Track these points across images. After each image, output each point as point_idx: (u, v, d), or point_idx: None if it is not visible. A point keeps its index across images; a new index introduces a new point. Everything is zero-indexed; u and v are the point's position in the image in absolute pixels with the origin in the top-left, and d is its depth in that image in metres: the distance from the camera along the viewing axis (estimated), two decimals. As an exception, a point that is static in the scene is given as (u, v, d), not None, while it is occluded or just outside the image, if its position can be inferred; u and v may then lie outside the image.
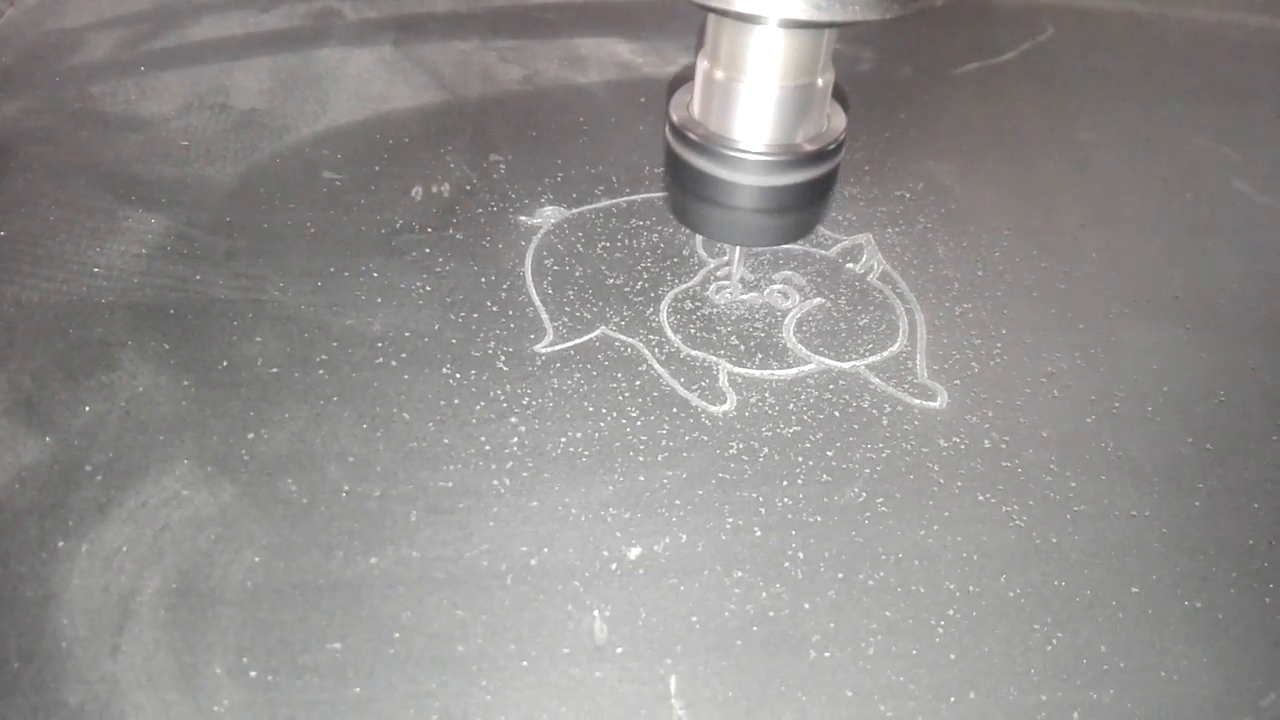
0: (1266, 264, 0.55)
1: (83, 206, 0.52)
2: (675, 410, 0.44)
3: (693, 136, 0.44)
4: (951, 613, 0.37)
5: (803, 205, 0.45)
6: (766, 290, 0.50)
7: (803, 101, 0.43)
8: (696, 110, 0.45)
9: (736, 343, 0.47)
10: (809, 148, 0.44)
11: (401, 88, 0.63)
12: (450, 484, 0.40)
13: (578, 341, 0.47)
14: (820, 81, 0.43)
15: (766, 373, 0.46)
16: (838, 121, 0.46)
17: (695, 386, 0.45)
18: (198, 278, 0.48)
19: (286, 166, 0.56)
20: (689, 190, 0.45)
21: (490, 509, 0.40)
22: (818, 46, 0.42)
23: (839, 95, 0.46)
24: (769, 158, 0.43)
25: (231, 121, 0.59)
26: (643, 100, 0.64)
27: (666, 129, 0.46)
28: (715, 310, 0.49)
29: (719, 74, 0.43)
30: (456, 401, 0.43)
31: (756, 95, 0.42)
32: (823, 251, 0.52)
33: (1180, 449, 0.44)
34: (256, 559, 0.37)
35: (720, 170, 0.44)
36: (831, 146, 0.44)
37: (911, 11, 0.37)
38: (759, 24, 0.40)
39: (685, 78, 0.48)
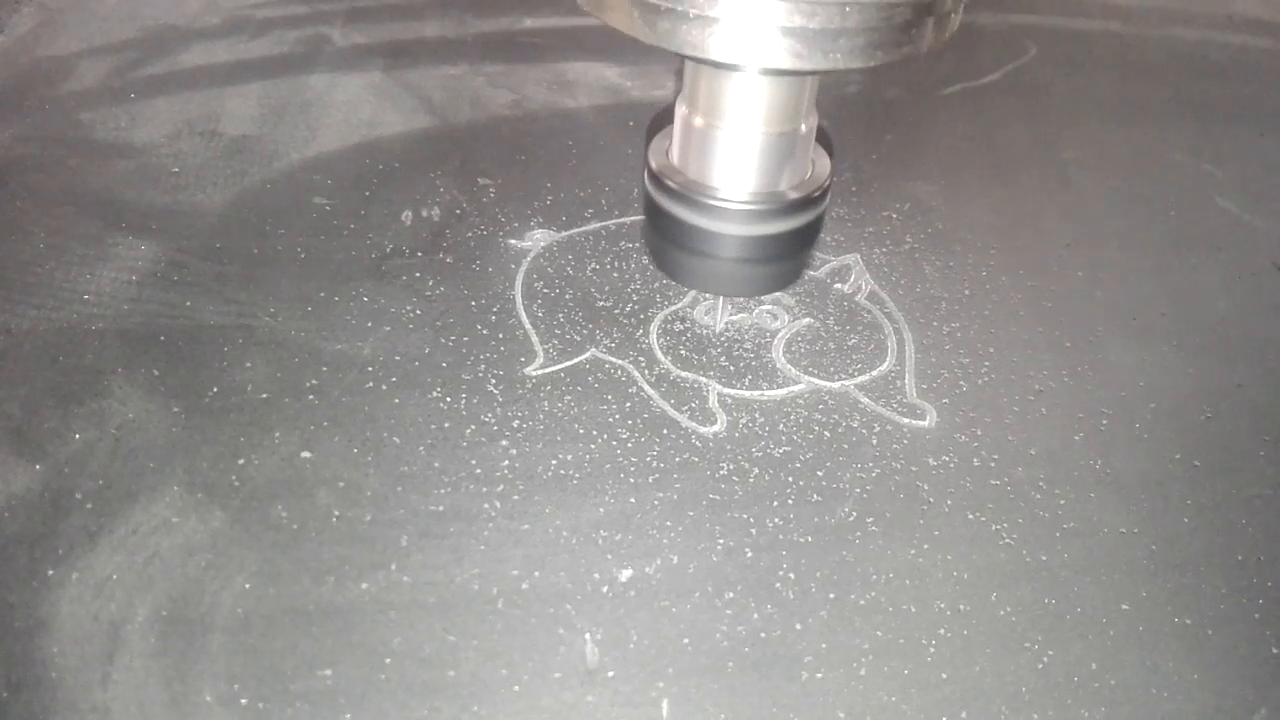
0: (1251, 281, 0.56)
1: (73, 233, 0.52)
2: (665, 432, 0.44)
3: (672, 184, 0.43)
4: (942, 632, 0.37)
5: (788, 254, 0.44)
6: (755, 311, 0.50)
7: (786, 148, 0.42)
8: (675, 157, 0.44)
9: (726, 364, 0.47)
10: (793, 195, 0.43)
11: (391, 113, 0.64)
12: (441, 508, 0.40)
13: (568, 364, 0.47)
14: (804, 128, 0.42)
15: (756, 393, 0.46)
16: (822, 167, 0.45)
17: (685, 408, 0.45)
18: (188, 304, 0.48)
19: (276, 192, 0.56)
20: (669, 239, 0.44)
21: (481, 532, 0.40)
22: (800, 93, 0.41)
23: (823, 139, 0.46)
24: (752, 206, 0.42)
25: (221, 148, 0.59)
26: (631, 124, 0.65)
27: (645, 176, 0.45)
28: (705, 331, 0.49)
29: (698, 120, 0.42)
30: (447, 425, 0.44)
31: (738, 143, 0.41)
32: (811, 272, 0.53)
33: (1168, 465, 0.45)
34: (247, 585, 0.37)
35: (702, 219, 0.43)
36: (816, 193, 0.43)
37: (896, 59, 0.37)
38: (738, 71, 0.40)
39: (663, 122, 0.48)
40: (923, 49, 0.38)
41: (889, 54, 0.36)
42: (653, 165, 0.44)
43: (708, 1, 0.34)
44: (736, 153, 0.42)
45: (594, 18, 0.38)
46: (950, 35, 0.39)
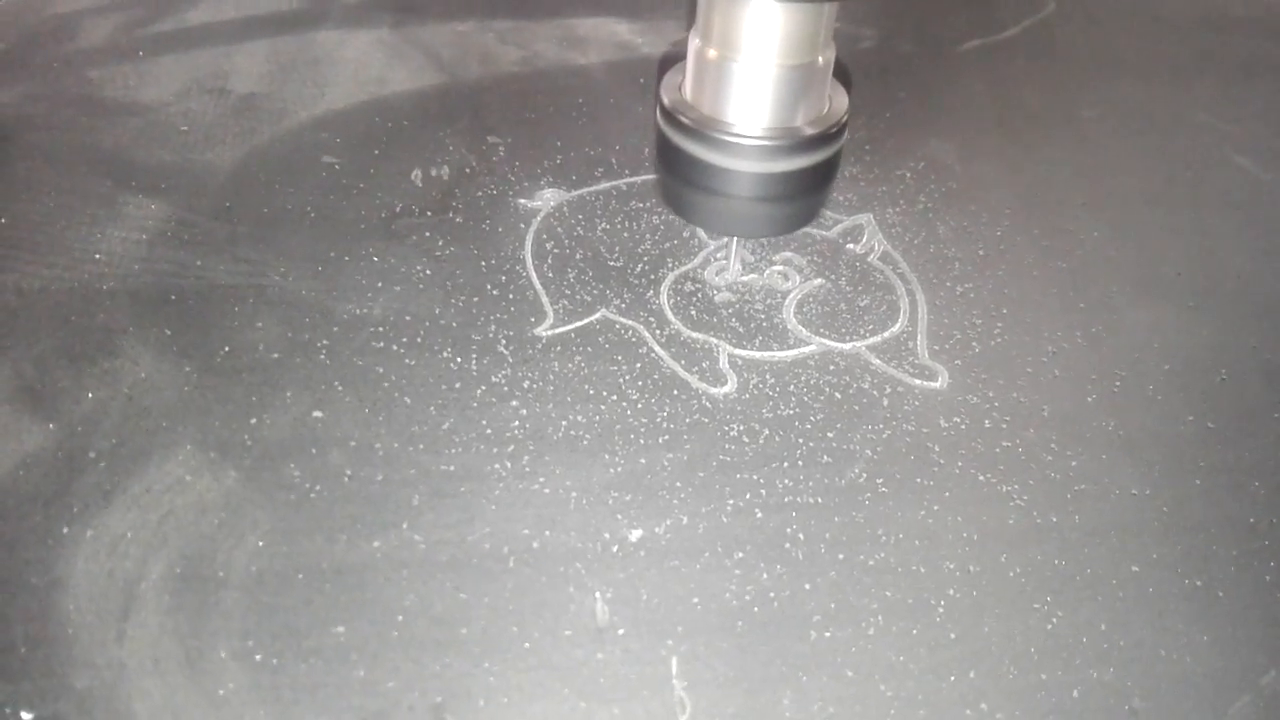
0: (1269, 241, 0.55)
1: (82, 193, 0.52)
2: (676, 393, 0.44)
3: (685, 120, 0.42)
4: (951, 592, 0.38)
5: (803, 193, 0.43)
6: (767, 272, 0.50)
7: (802, 82, 0.41)
8: (689, 92, 0.43)
9: (737, 325, 0.47)
10: (809, 131, 0.42)
11: (399, 70, 0.63)
12: (452, 468, 0.40)
13: (578, 324, 0.47)
14: (821, 60, 0.41)
15: (767, 354, 0.46)
16: (840, 102, 0.44)
17: (696, 369, 0.45)
18: (198, 263, 0.48)
19: (286, 151, 0.56)
20: (681, 177, 0.43)
21: (492, 492, 0.40)
22: (817, 22, 0.40)
23: (841, 74, 0.44)
24: (767, 142, 0.41)
25: (230, 106, 0.59)
26: (642, 81, 0.64)
27: (657, 111, 0.44)
28: (715, 292, 0.49)
29: (712, 53, 0.41)
30: (458, 385, 0.44)
31: (753, 76, 0.40)
32: (823, 232, 0.52)
33: (1181, 427, 0.44)
34: (260, 544, 0.37)
35: (715, 156, 0.42)
36: (833, 129, 0.42)
37: None
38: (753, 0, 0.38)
39: (675, 57, 0.46)
40: None
41: None
42: (665, 101, 0.43)
43: None
44: (751, 86, 0.41)
45: None
46: None
